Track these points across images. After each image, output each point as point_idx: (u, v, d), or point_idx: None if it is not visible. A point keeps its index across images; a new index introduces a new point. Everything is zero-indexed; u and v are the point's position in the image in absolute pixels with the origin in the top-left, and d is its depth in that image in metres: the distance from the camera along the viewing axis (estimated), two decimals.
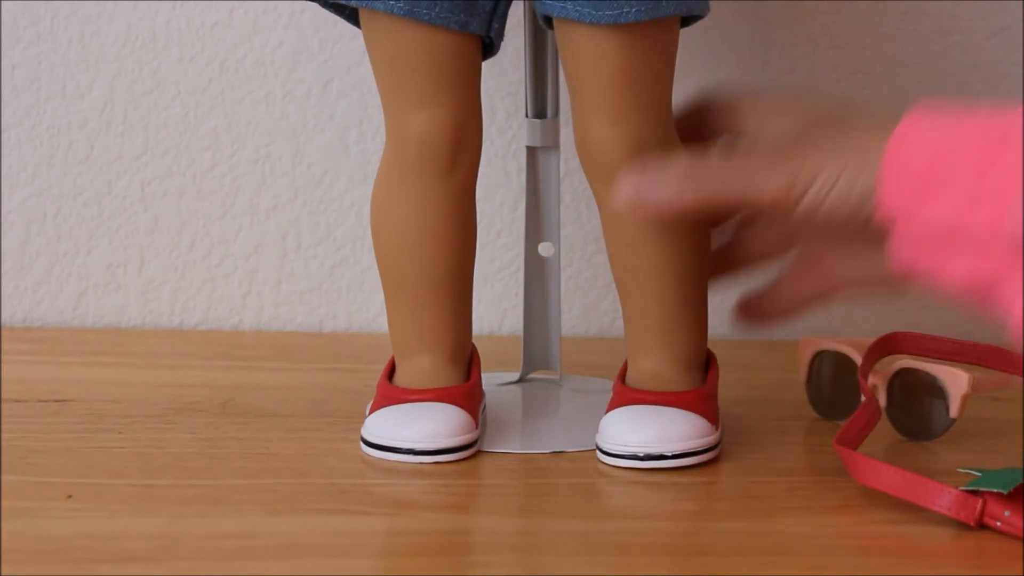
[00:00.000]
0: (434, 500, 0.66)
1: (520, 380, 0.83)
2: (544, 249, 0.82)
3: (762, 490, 0.68)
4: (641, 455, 0.68)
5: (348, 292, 0.99)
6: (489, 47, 0.71)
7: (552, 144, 0.81)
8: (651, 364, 0.72)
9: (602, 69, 0.68)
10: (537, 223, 0.82)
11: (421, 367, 0.73)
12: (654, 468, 0.68)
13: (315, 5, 0.96)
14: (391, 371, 0.75)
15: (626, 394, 0.71)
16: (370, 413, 0.72)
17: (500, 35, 0.71)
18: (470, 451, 0.70)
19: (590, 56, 0.68)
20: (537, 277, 0.82)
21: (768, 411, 0.81)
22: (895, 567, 0.59)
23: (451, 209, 0.72)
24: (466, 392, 0.72)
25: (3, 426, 0.74)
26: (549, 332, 0.83)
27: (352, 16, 0.72)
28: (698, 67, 0.95)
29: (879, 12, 0.96)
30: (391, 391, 0.72)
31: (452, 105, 0.70)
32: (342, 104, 0.97)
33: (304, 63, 0.96)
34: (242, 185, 0.97)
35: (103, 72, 0.96)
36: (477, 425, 0.71)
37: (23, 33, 0.95)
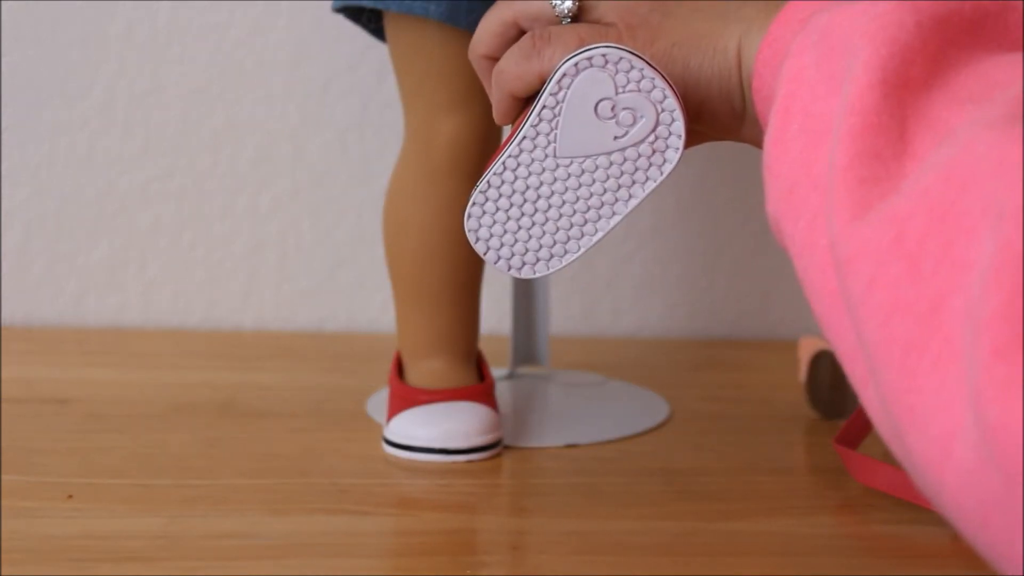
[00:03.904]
0: (434, 500, 0.66)
1: (509, 376, 0.84)
2: None
3: (762, 490, 0.68)
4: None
5: (348, 292, 0.99)
6: None
7: None
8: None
9: None
10: None
11: (435, 368, 0.74)
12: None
13: (315, 5, 0.96)
14: (400, 371, 0.75)
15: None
16: (390, 415, 0.72)
17: None
18: (499, 448, 0.71)
19: None
20: None
21: (768, 411, 0.81)
22: (895, 567, 0.59)
23: None
24: (487, 390, 0.73)
25: (4, 426, 0.74)
26: (536, 327, 0.83)
27: (376, 30, 0.73)
28: None
29: None
30: (411, 392, 0.72)
31: (482, 109, 0.70)
32: (342, 104, 0.97)
33: (304, 63, 0.96)
34: (242, 185, 0.97)
35: (103, 72, 0.96)
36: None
37: (23, 33, 0.95)
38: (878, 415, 0.41)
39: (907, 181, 0.41)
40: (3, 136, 0.96)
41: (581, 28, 0.57)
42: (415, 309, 0.74)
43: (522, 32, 0.60)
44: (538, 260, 0.57)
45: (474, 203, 0.57)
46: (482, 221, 0.57)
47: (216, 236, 0.98)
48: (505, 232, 0.57)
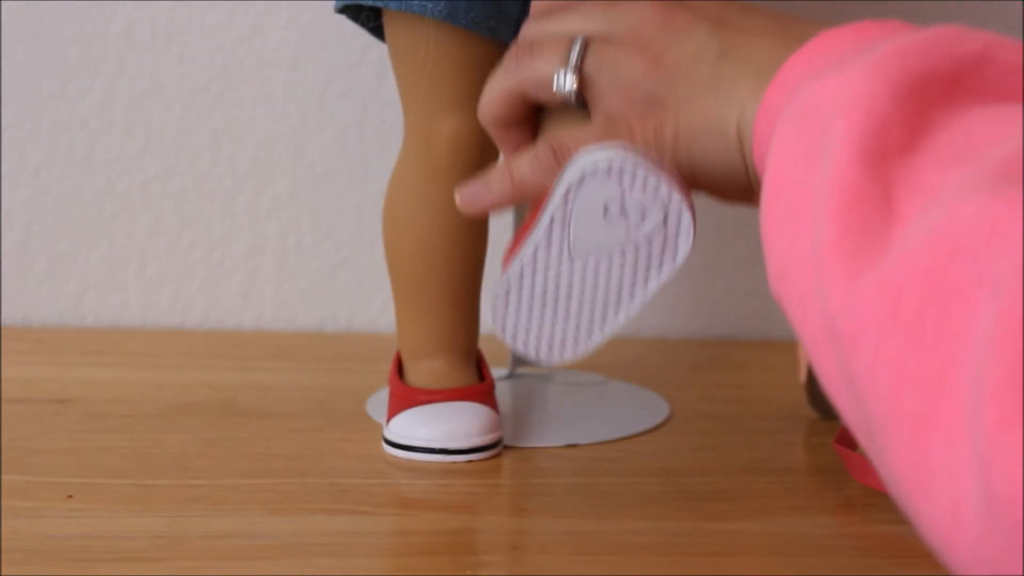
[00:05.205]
0: (434, 500, 0.66)
1: (509, 376, 0.84)
2: None
3: (762, 490, 0.68)
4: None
5: (348, 292, 0.99)
6: None
7: None
8: None
9: None
10: (523, 221, 0.82)
11: (435, 368, 0.74)
12: None
13: (315, 5, 0.96)
14: (400, 371, 0.75)
15: None
16: (390, 415, 0.72)
17: None
18: (499, 448, 0.71)
19: None
20: None
21: (768, 411, 0.81)
22: (895, 567, 0.59)
23: None
24: (487, 390, 0.73)
25: (3, 426, 0.74)
26: None
27: (375, 29, 0.73)
28: None
29: (879, 12, 0.96)
30: (411, 392, 0.72)
31: None
32: (342, 104, 0.97)
33: (304, 63, 0.96)
34: (242, 185, 0.97)
35: (103, 72, 0.96)
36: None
37: (23, 33, 0.95)
38: (886, 477, 0.41)
39: (894, 246, 0.41)
40: (3, 136, 0.96)
41: (596, 135, 0.56)
42: (415, 309, 0.74)
43: (528, 98, 0.59)
44: (564, 346, 0.57)
45: (497, 299, 0.57)
46: (507, 313, 0.57)
47: (216, 236, 0.98)
48: (531, 323, 0.57)
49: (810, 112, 0.46)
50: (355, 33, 0.94)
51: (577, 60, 0.56)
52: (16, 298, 0.97)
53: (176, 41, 0.96)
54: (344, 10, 0.72)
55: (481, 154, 0.72)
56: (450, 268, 0.73)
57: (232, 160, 0.97)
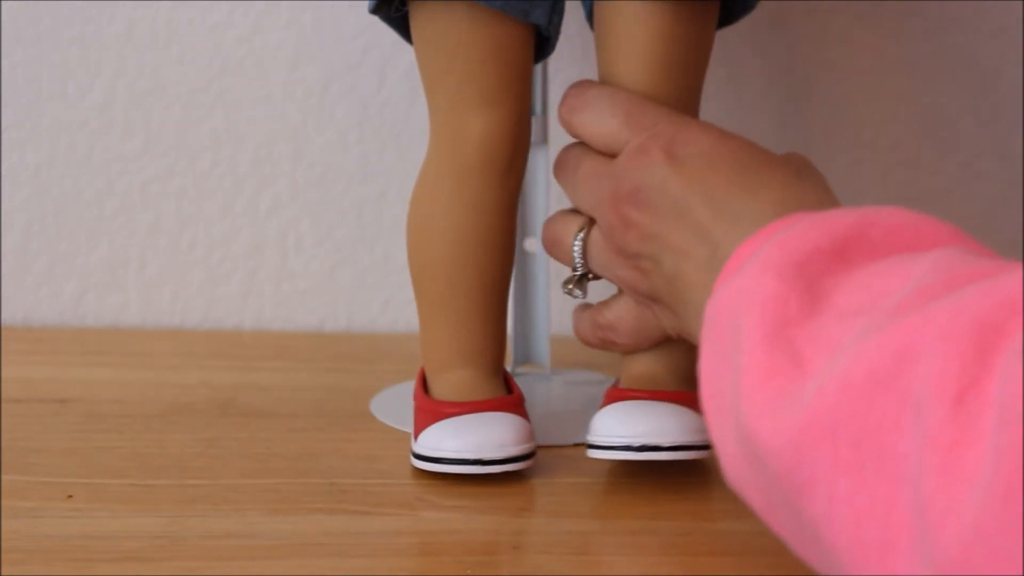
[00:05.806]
0: (434, 500, 0.66)
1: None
2: (529, 245, 0.82)
3: None
4: (636, 445, 0.66)
5: (348, 292, 0.99)
6: (543, 46, 0.70)
7: (539, 140, 0.81)
8: (644, 367, 0.71)
9: (643, 42, 0.67)
10: (523, 219, 0.82)
11: (463, 379, 0.70)
12: (648, 460, 0.67)
13: (315, 5, 0.96)
14: (425, 387, 0.72)
15: (618, 394, 0.70)
16: (417, 430, 0.69)
17: (557, 31, 0.70)
18: (533, 459, 0.69)
19: (632, 29, 0.67)
20: (523, 273, 0.83)
21: None
22: None
23: (504, 213, 0.70)
24: (517, 402, 0.70)
25: (3, 426, 0.74)
26: (536, 327, 0.83)
27: (401, 25, 0.70)
28: None
29: (879, 12, 0.96)
30: (438, 405, 0.69)
31: (514, 104, 0.68)
32: (342, 104, 0.97)
33: (304, 63, 0.96)
34: (242, 185, 0.97)
35: (103, 72, 0.96)
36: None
37: (23, 33, 0.95)
38: None
39: (807, 393, 0.44)
40: (3, 136, 0.96)
41: (631, 314, 0.68)
42: (441, 318, 0.71)
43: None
44: None
45: None
46: None
47: (216, 236, 0.98)
48: None
49: (717, 321, 0.51)
50: (355, 33, 0.94)
51: (582, 268, 0.68)
52: (16, 298, 0.97)
53: (176, 41, 0.96)
54: (376, 10, 0.69)
55: (514, 151, 0.69)
56: (480, 273, 0.70)
57: (232, 160, 0.97)
